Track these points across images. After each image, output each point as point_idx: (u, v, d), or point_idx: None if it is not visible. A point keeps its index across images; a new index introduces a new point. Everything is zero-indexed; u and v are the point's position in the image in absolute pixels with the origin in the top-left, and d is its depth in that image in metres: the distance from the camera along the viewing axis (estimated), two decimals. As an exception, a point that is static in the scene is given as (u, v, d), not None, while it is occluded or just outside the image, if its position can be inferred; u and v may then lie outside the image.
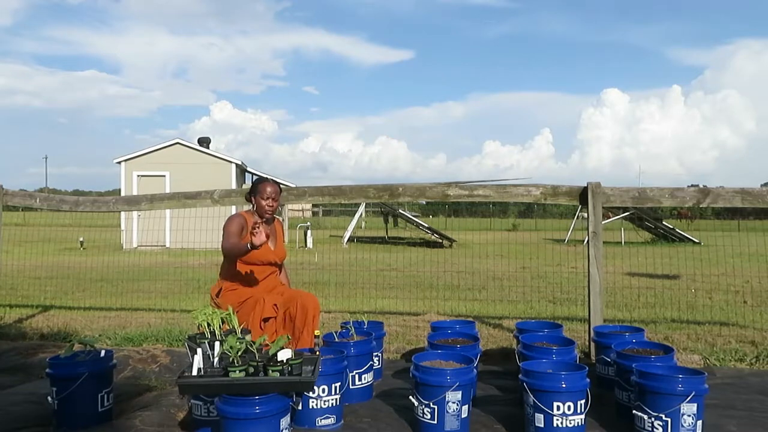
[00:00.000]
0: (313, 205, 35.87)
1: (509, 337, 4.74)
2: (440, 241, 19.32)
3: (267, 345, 2.83)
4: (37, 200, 5.49)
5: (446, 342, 3.57)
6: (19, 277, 8.23)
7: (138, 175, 17.87)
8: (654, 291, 7.73)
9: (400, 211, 21.50)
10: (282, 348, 2.71)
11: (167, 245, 16.53)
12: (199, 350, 2.74)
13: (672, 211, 31.31)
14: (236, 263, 3.53)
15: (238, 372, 2.59)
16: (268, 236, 3.29)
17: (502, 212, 41.93)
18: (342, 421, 3.04)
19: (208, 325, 2.93)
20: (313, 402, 2.93)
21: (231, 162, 18.55)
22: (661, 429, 2.61)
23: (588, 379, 2.76)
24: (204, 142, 19.59)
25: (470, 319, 4.82)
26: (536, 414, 2.71)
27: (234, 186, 17.42)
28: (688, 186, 5.42)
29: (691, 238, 19.23)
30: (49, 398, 2.94)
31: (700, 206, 4.58)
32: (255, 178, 7.84)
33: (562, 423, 2.67)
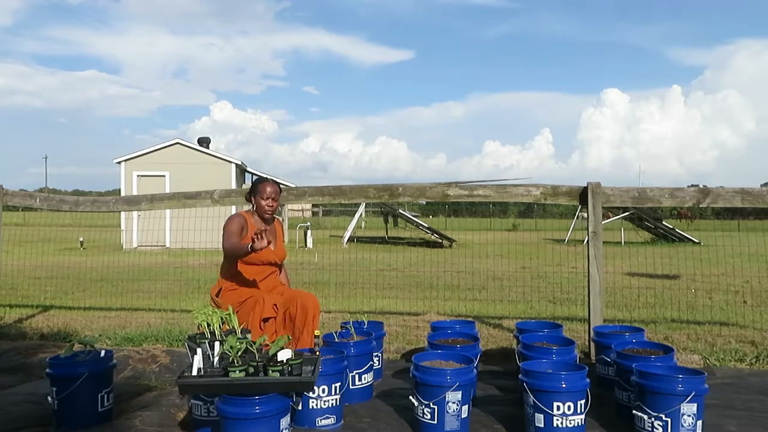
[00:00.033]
0: (313, 205, 35.87)
1: (509, 337, 4.74)
2: (440, 241, 19.32)
3: (267, 345, 2.83)
4: (37, 200, 5.49)
5: (446, 342, 3.57)
6: (19, 277, 8.23)
7: (138, 175, 17.87)
8: (654, 291, 7.73)
9: (400, 211, 21.50)
10: (282, 348, 2.71)
11: (167, 245, 16.53)
12: (199, 350, 2.74)
13: (672, 211, 31.31)
14: (236, 263, 3.53)
15: (238, 372, 2.59)
16: (269, 242, 3.29)
17: (502, 212, 41.94)
18: (342, 421, 3.04)
19: (208, 325, 2.93)
20: (313, 402, 2.93)
21: (231, 162, 18.56)
22: (661, 429, 2.61)
23: (588, 379, 2.76)
24: (204, 142, 19.59)
25: (470, 319, 4.82)
26: (536, 414, 2.71)
27: (234, 186, 17.42)
28: (688, 186, 5.42)
29: (691, 238, 19.24)
30: (49, 398, 2.95)
31: (700, 206, 4.59)
32: (255, 178, 7.84)
33: (562, 423, 2.67)
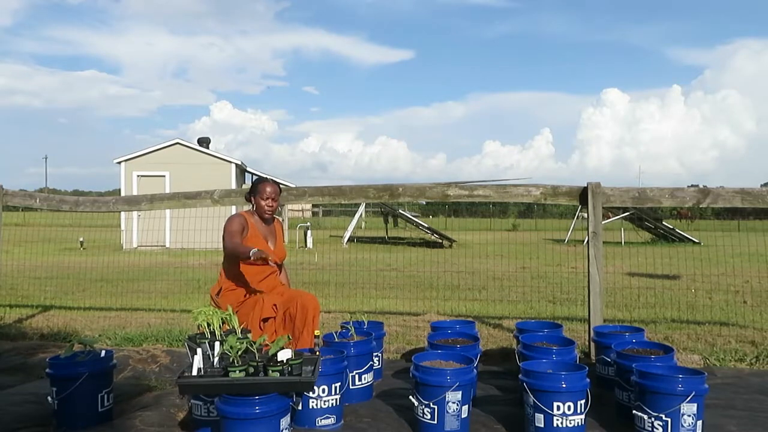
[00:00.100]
0: (313, 205, 35.87)
1: (509, 337, 4.74)
2: (440, 241, 19.32)
3: (267, 345, 2.83)
4: (37, 200, 5.49)
5: (446, 342, 3.57)
6: (19, 277, 8.22)
7: (138, 175, 17.87)
8: (654, 291, 7.73)
9: (400, 211, 21.50)
10: (282, 348, 2.71)
11: (167, 245, 16.53)
12: (199, 350, 2.74)
13: (672, 211, 31.31)
14: (238, 264, 3.53)
15: (238, 372, 2.59)
16: (266, 259, 3.28)
17: (502, 212, 41.95)
18: (342, 421, 3.04)
19: (208, 325, 2.93)
20: (313, 402, 2.93)
21: (231, 162, 18.55)
22: (661, 429, 2.61)
23: (588, 379, 2.76)
24: (204, 142, 19.59)
25: (470, 319, 4.82)
26: (536, 414, 2.71)
27: (234, 186, 17.42)
28: (688, 186, 5.43)
29: (691, 238, 19.24)
30: (49, 398, 2.95)
31: (700, 206, 4.58)
32: (255, 178, 7.84)
33: (562, 423, 2.67)
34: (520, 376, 2.81)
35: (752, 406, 3.25)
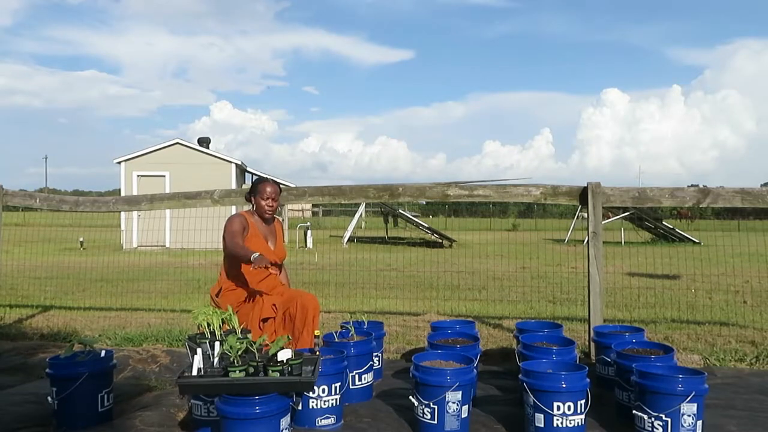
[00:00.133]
0: (313, 205, 35.88)
1: (509, 337, 4.74)
2: (440, 241, 19.32)
3: (267, 345, 2.83)
4: (37, 200, 5.49)
5: (446, 342, 3.57)
6: (19, 277, 8.22)
7: (138, 175, 17.87)
8: (654, 291, 7.73)
9: (400, 211, 21.50)
10: (282, 348, 2.71)
11: (167, 245, 16.53)
12: (199, 350, 2.74)
13: (672, 211, 31.31)
14: (237, 264, 3.53)
15: (238, 372, 2.59)
16: (267, 266, 3.27)
17: (502, 212, 41.95)
18: (342, 421, 3.04)
19: (208, 325, 2.93)
20: (313, 402, 2.94)
21: (231, 162, 18.55)
22: (661, 429, 2.61)
23: (588, 379, 2.76)
24: (204, 142, 19.58)
25: (470, 319, 4.82)
26: (536, 414, 2.71)
27: (234, 186, 17.42)
28: (688, 186, 5.43)
29: (691, 238, 19.24)
30: (49, 398, 2.95)
31: (700, 206, 4.59)
32: (255, 178, 7.84)
33: (562, 423, 2.67)
34: (520, 376, 2.81)
35: (752, 406, 3.25)
